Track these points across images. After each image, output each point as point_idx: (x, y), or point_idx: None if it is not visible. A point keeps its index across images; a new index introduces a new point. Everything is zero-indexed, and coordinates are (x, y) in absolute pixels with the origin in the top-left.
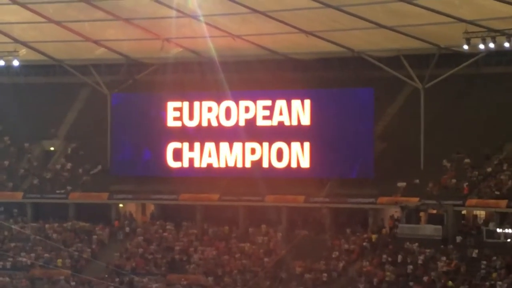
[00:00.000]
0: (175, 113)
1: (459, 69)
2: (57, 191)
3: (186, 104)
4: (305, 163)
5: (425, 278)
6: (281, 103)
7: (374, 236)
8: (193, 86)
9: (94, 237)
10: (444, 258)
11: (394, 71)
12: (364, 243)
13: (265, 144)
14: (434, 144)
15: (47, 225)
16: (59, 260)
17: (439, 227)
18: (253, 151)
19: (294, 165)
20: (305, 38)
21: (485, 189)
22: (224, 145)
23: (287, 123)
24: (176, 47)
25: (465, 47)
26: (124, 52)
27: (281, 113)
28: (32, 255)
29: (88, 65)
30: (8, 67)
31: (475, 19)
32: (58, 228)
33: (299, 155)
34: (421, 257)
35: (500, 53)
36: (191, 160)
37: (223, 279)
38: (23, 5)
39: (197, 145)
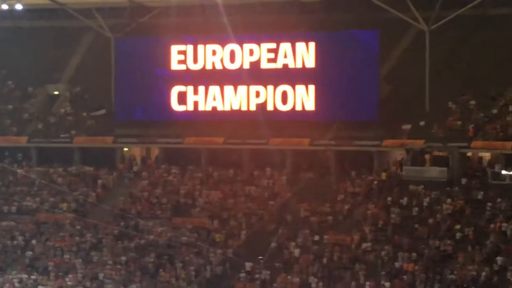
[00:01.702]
0: (180, 57)
1: (464, 10)
2: (62, 135)
3: (190, 48)
4: (310, 106)
5: (430, 220)
6: (285, 46)
7: (382, 176)
8: (197, 29)
9: (99, 181)
10: (449, 200)
11: (399, 13)
12: (370, 186)
13: (270, 87)
14: (440, 86)
15: (51, 170)
16: (64, 204)
17: (444, 169)
18: (257, 94)
19: (299, 107)
20: None
21: (490, 131)
22: (228, 88)
23: (291, 65)
24: None
25: None
26: None
27: (285, 56)
28: (37, 199)
29: (91, 9)
30: (11, 11)
31: None
32: (63, 172)
33: (304, 97)
34: (427, 200)
35: None
36: (195, 104)
37: (228, 222)
38: None
39: (201, 88)
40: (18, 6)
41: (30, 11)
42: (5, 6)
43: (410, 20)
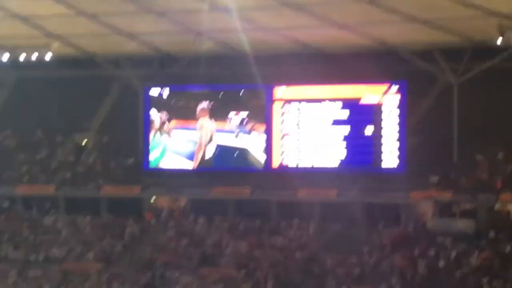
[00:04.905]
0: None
1: (493, 63)
2: (90, 185)
3: None
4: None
5: (458, 273)
6: None
7: (406, 231)
8: (227, 79)
9: (126, 230)
10: (477, 253)
11: (427, 65)
12: (397, 238)
13: None
14: (468, 138)
15: (79, 219)
16: (91, 254)
17: (472, 221)
18: None
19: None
20: (337, 32)
21: None
22: None
23: None
24: (209, 40)
25: (500, 40)
26: (156, 45)
27: None
28: (65, 248)
29: (120, 59)
30: (40, 61)
31: (509, 12)
32: (90, 221)
33: None
34: (454, 252)
35: None
36: None
37: (255, 273)
38: None
39: None
40: (48, 57)
41: (60, 61)
42: (34, 56)
43: (438, 73)
